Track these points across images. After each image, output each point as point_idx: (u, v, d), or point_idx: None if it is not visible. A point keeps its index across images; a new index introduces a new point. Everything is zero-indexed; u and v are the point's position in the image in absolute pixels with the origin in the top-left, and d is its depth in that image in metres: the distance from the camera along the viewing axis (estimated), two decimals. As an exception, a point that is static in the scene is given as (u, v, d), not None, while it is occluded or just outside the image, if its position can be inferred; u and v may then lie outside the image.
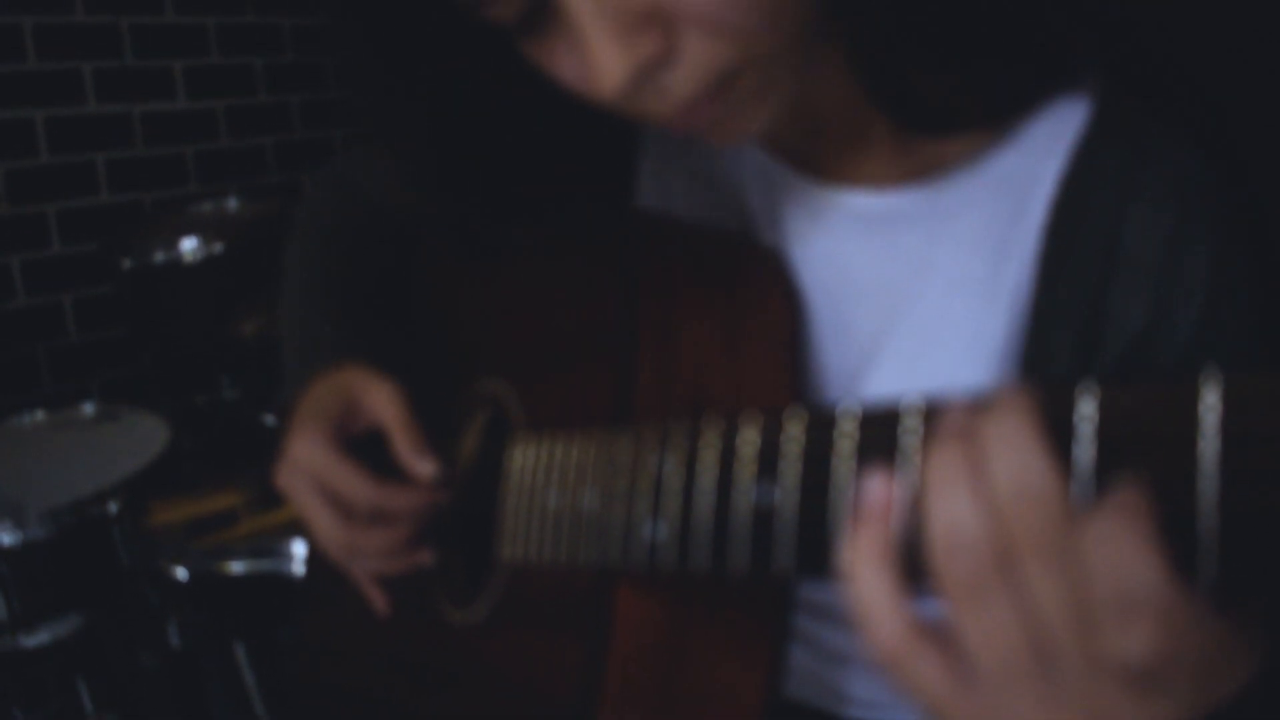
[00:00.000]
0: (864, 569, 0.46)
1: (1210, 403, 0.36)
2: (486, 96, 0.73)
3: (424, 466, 0.81)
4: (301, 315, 0.99)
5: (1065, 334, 0.68)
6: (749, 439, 0.55)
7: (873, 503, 0.47)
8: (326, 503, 0.82)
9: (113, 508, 1.80)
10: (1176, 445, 0.37)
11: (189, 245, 2.19)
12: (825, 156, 0.77)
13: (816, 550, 0.51)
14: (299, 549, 1.55)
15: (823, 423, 0.51)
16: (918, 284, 0.73)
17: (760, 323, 0.72)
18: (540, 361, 0.80)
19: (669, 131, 0.65)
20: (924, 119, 0.67)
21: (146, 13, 2.79)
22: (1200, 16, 0.77)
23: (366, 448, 0.84)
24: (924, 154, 0.73)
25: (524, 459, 0.75)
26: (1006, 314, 0.70)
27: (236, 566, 1.54)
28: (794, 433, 0.52)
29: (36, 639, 1.83)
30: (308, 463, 0.82)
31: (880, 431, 0.48)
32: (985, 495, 0.42)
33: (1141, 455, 0.38)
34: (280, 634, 1.56)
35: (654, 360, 0.69)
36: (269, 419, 2.15)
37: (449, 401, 0.91)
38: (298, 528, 1.55)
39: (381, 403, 0.84)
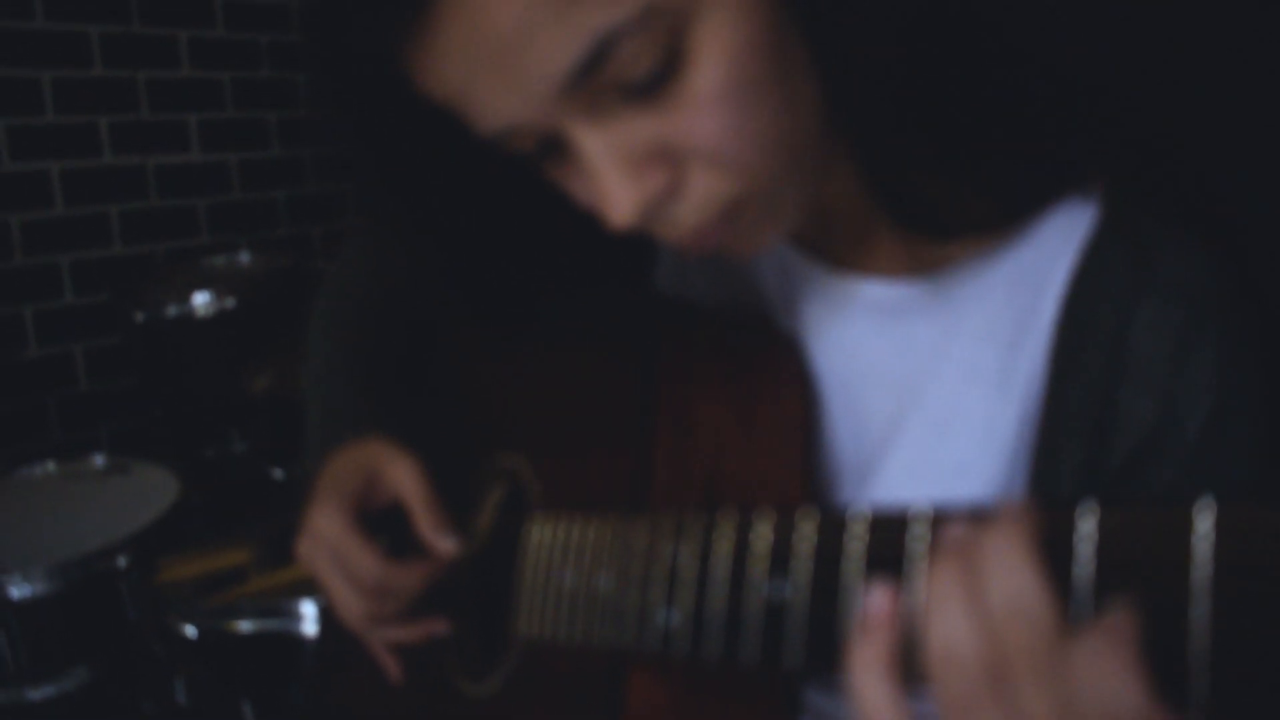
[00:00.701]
0: (866, 676, 0.48)
1: (1203, 531, 0.38)
2: (508, 192, 0.76)
3: (445, 544, 0.83)
4: (327, 387, 1.01)
5: (1075, 430, 0.70)
6: (763, 534, 0.57)
7: (875, 613, 0.49)
8: (342, 575, 0.84)
9: (121, 562, 1.82)
10: (1170, 571, 0.39)
11: (201, 299, 2.22)
12: (839, 247, 0.79)
13: (826, 648, 0.53)
14: (307, 609, 1.57)
15: (834, 524, 0.53)
16: (931, 373, 0.75)
17: (775, 410, 0.74)
18: (558, 441, 0.82)
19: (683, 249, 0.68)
20: (932, 225, 0.70)
21: (162, 67, 2.83)
22: (1203, 122, 0.79)
23: (390, 519, 0.86)
24: (937, 249, 0.75)
25: (541, 536, 0.77)
26: (1018, 405, 0.72)
27: (245, 625, 1.55)
28: (807, 532, 0.54)
29: (43, 692, 1.84)
30: (324, 535, 0.84)
31: (889, 537, 0.50)
32: (981, 614, 0.44)
33: (1137, 578, 0.40)
34: (288, 693, 1.57)
35: (671, 446, 0.71)
36: (277, 473, 2.17)
37: (467, 474, 0.93)
38: (306, 587, 1.57)
39: (403, 478, 0.86)
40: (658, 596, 0.63)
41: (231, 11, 2.99)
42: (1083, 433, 0.69)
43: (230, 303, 2.21)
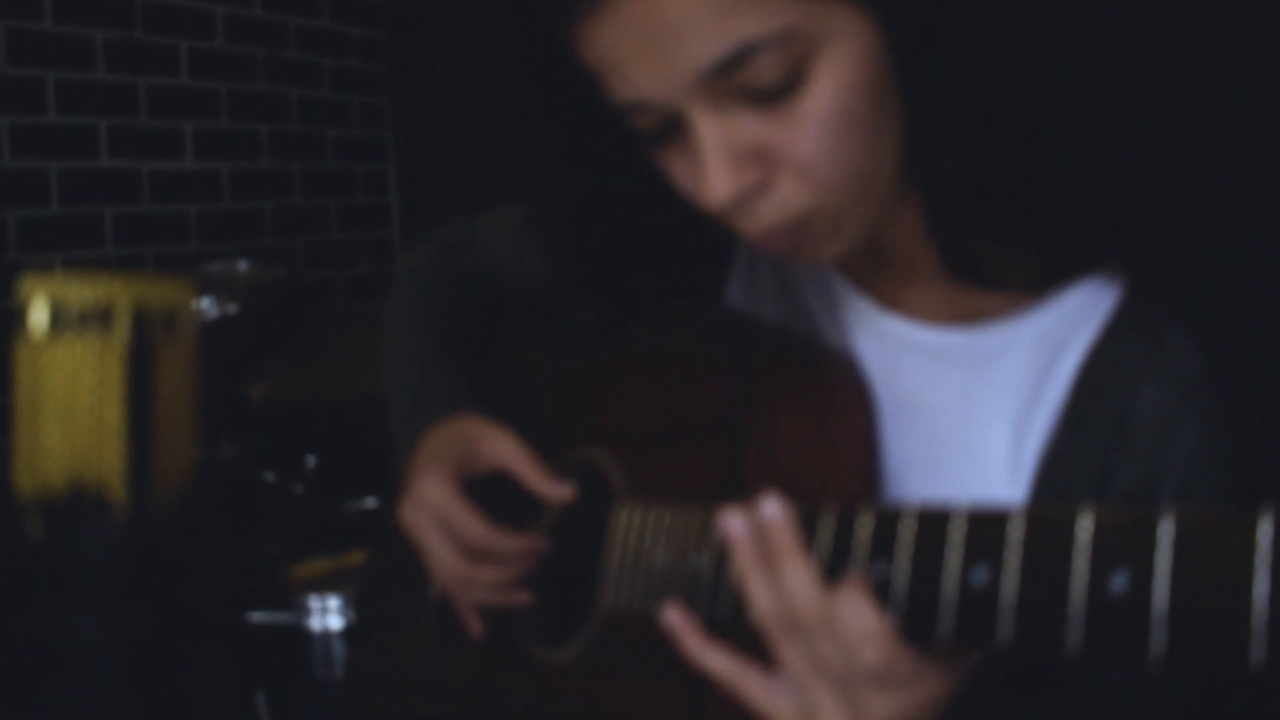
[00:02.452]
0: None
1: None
2: (621, 190, 0.87)
3: (562, 490, 0.92)
4: (417, 368, 1.08)
5: (1074, 483, 0.81)
6: (865, 523, 0.65)
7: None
8: (446, 539, 0.92)
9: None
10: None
11: (204, 305, 2.26)
12: (889, 286, 0.89)
13: (923, 623, 0.61)
14: (317, 603, 1.62)
15: (937, 516, 0.61)
16: (960, 411, 0.85)
17: (845, 424, 0.83)
18: (646, 436, 0.89)
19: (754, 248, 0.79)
20: (978, 276, 0.82)
21: (163, 74, 2.88)
22: (1213, 231, 0.90)
23: (480, 492, 0.93)
24: (976, 300, 0.86)
25: (630, 519, 0.85)
26: (1036, 447, 0.82)
27: (257, 616, 1.60)
28: (909, 521, 0.62)
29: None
30: (431, 501, 0.92)
31: (988, 528, 0.58)
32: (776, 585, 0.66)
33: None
34: (300, 684, 1.62)
35: (760, 447, 0.79)
36: (270, 477, 2.21)
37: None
38: (322, 584, 1.62)
39: (505, 449, 0.94)
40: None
41: (232, 23, 3.04)
42: (1083, 484, 0.80)
43: (232, 309, 2.26)
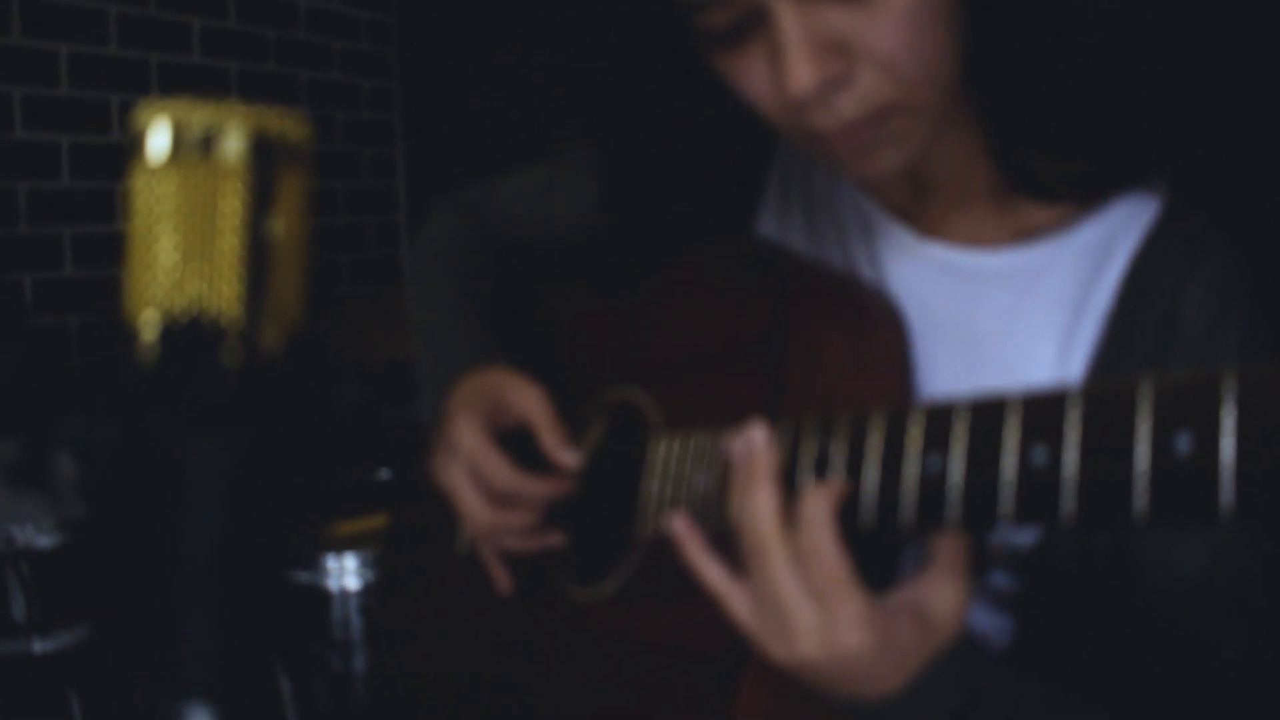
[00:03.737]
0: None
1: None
2: (673, 102, 0.89)
3: (568, 457, 0.92)
4: (445, 326, 1.09)
5: None
6: (917, 420, 0.66)
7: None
8: (475, 485, 0.92)
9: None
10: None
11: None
12: (929, 213, 0.90)
13: (983, 511, 0.62)
14: (333, 563, 1.62)
15: (991, 406, 0.62)
16: (1004, 331, 0.86)
17: (881, 346, 0.84)
18: (681, 370, 0.90)
19: (820, 153, 0.80)
20: (1031, 187, 0.84)
21: (175, 51, 2.89)
22: (1255, 142, 0.92)
23: (510, 442, 0.94)
24: (1018, 220, 0.88)
25: (669, 449, 0.86)
26: (1082, 359, 0.84)
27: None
28: (962, 414, 0.63)
29: (45, 646, 1.86)
30: (462, 446, 0.93)
31: (1045, 411, 0.59)
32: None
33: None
34: (319, 644, 1.62)
35: (799, 371, 0.80)
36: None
37: (567, 409, 1.01)
38: (342, 543, 1.63)
39: (529, 401, 0.94)
40: (806, 481, 0.71)
41: (244, 3, 3.05)
42: None
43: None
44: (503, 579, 0.98)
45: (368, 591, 1.61)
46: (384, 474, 2.08)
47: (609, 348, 1.01)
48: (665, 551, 0.85)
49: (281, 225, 0.42)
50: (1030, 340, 0.85)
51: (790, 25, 0.72)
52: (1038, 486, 0.58)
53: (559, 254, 1.14)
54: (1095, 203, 0.85)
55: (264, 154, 0.42)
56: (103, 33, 2.72)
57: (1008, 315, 0.86)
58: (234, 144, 0.41)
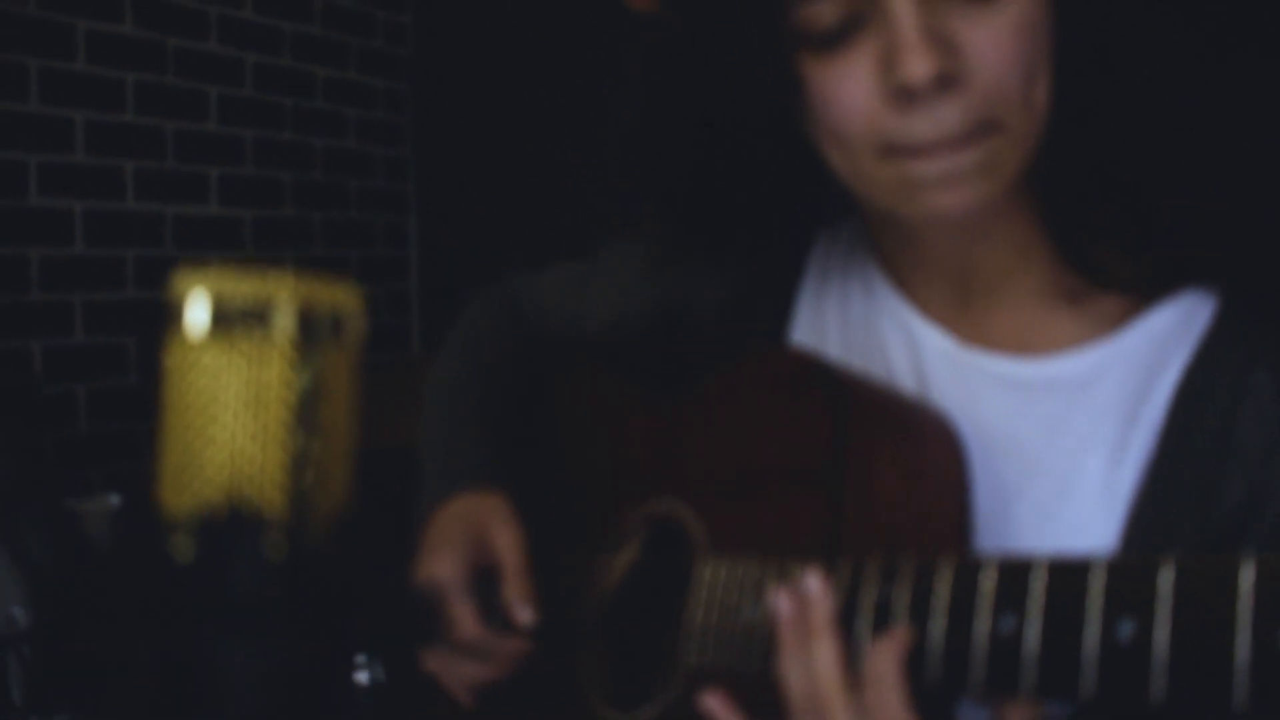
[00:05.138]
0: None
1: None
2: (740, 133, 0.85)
3: (524, 615, 0.90)
4: (449, 431, 1.06)
5: (1181, 503, 0.78)
6: (989, 574, 0.62)
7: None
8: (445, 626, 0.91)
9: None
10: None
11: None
12: (972, 319, 0.87)
13: (1061, 676, 0.58)
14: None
15: (1072, 568, 0.58)
16: (1052, 442, 0.82)
17: (939, 471, 0.80)
18: (728, 486, 0.86)
19: (901, 182, 0.77)
20: (1090, 273, 0.81)
21: (191, 119, 2.88)
22: None
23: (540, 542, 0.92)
24: (1066, 326, 0.84)
25: (715, 574, 0.81)
26: (1133, 473, 0.80)
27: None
28: (1040, 573, 0.60)
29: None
30: (435, 582, 0.91)
31: (1130, 579, 0.56)
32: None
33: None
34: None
35: (857, 497, 0.76)
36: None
37: (600, 519, 0.97)
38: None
39: (505, 543, 0.93)
40: (864, 630, 0.67)
41: (261, 71, 3.05)
42: (1187, 506, 0.77)
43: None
44: (466, 700, 0.96)
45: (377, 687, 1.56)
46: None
47: (647, 455, 0.97)
48: (707, 684, 0.81)
49: (329, 407, 0.39)
50: (1079, 453, 0.82)
51: (909, 15, 0.70)
52: (1125, 664, 0.54)
53: (593, 351, 1.11)
54: (1153, 298, 0.82)
55: (311, 330, 0.38)
56: (119, 100, 2.71)
57: (1053, 426, 0.83)
58: (281, 320, 0.38)
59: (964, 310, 0.88)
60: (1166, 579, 0.54)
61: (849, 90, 0.75)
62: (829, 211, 0.96)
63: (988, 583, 0.62)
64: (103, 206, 2.69)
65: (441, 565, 0.92)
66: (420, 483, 1.07)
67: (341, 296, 0.39)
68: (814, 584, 0.67)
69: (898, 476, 0.78)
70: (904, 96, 0.72)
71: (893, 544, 0.76)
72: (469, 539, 0.93)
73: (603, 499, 0.95)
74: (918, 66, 0.70)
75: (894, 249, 0.91)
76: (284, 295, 0.38)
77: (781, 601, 0.68)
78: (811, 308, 0.96)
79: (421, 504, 1.02)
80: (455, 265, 3.42)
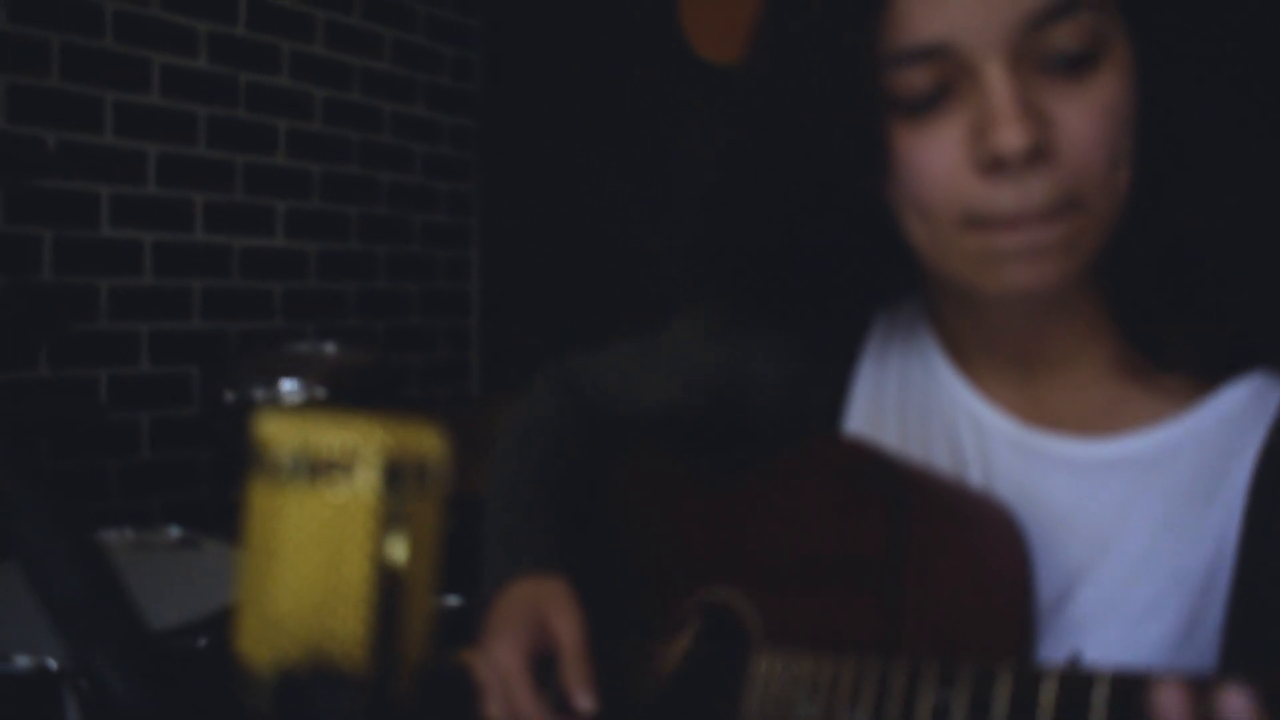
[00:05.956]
0: None
1: None
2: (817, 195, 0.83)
3: (583, 700, 0.89)
4: (511, 514, 1.07)
5: (1273, 581, 0.75)
6: (1050, 684, 0.60)
7: None
8: (506, 707, 0.91)
9: (201, 642, 1.81)
10: None
11: (289, 386, 2.25)
12: (1035, 399, 0.86)
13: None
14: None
15: (1132, 682, 0.56)
16: (1123, 525, 0.81)
17: (1000, 566, 0.79)
18: (784, 577, 0.85)
19: (981, 255, 0.75)
20: (1157, 356, 0.80)
21: (261, 153, 2.91)
22: None
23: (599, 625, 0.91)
24: (1132, 406, 0.82)
25: (771, 668, 0.80)
26: (1207, 555, 0.78)
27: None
28: (1100, 690, 0.58)
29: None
30: (499, 665, 0.92)
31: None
32: None
33: None
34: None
35: (917, 593, 0.75)
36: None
37: (657, 604, 0.96)
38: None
39: (564, 630, 0.92)
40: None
41: (330, 106, 3.08)
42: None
43: (319, 393, 2.24)
44: None
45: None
46: (451, 600, 2.03)
47: (703, 541, 0.96)
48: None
49: (412, 559, 0.38)
50: (1150, 534, 0.80)
51: (1002, 85, 0.70)
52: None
53: (652, 429, 1.10)
54: (1221, 379, 0.80)
55: (397, 481, 0.38)
56: (191, 134, 2.75)
57: (1126, 507, 0.81)
58: (367, 473, 0.37)
59: (1027, 390, 0.86)
60: (1238, 694, 0.52)
61: (936, 158, 0.74)
62: (890, 288, 0.95)
63: (1048, 695, 0.60)
64: (172, 238, 2.72)
65: (502, 649, 0.92)
66: (485, 537, 1.07)
67: (427, 443, 0.39)
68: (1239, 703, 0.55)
69: (958, 574, 0.77)
70: (993, 167, 0.71)
71: (952, 642, 0.74)
72: (529, 623, 0.93)
73: (660, 584, 0.94)
74: (1012, 137, 0.69)
75: (956, 327, 0.90)
76: (370, 447, 0.37)
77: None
78: (870, 385, 0.95)
79: (483, 583, 1.02)
80: (516, 301, 3.43)
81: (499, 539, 1.05)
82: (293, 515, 0.38)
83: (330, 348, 2.60)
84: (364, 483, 0.37)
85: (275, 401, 2.25)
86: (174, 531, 2.15)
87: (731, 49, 2.47)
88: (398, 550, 0.38)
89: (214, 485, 2.75)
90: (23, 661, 1.64)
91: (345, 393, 2.28)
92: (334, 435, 0.37)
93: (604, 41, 3.11)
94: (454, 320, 3.51)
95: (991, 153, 0.70)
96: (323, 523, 0.37)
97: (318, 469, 0.37)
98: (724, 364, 1.04)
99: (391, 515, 0.37)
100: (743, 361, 1.02)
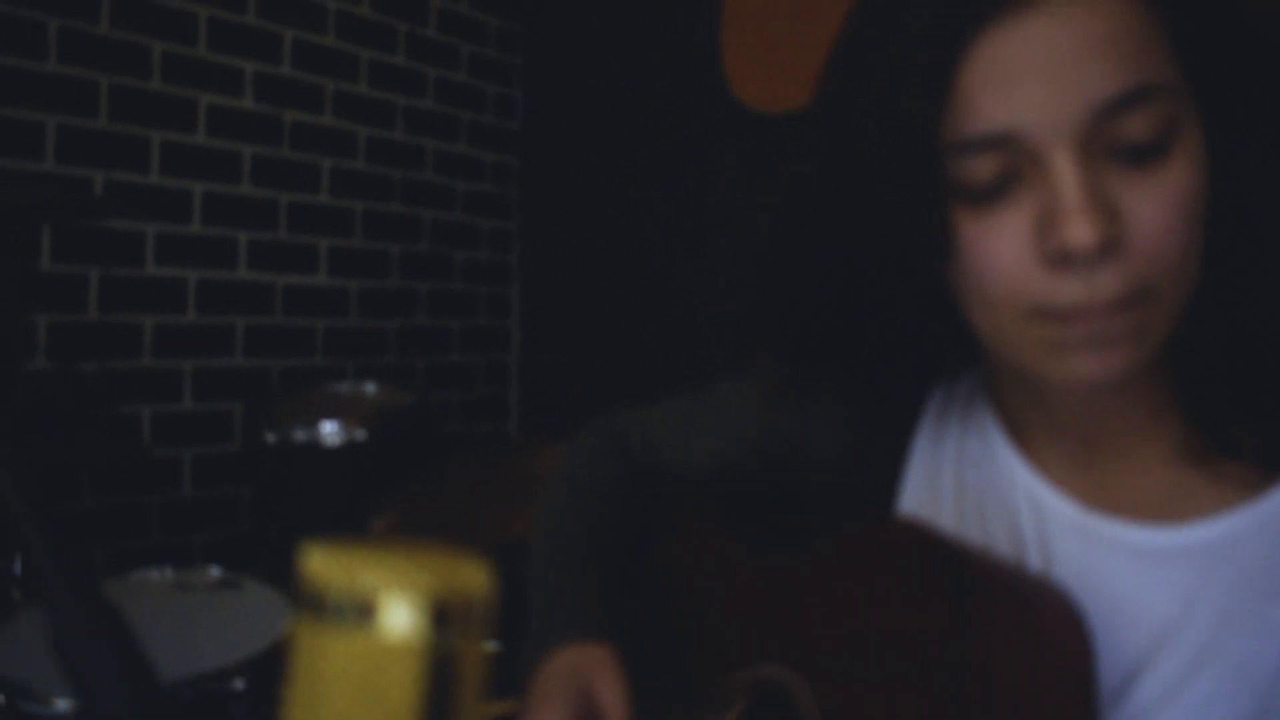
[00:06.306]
0: None
1: None
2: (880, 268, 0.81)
3: None
4: (556, 577, 1.05)
5: None
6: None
7: None
8: None
9: (238, 684, 1.81)
10: None
11: (329, 429, 2.25)
12: (1098, 483, 0.84)
13: None
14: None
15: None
16: (1186, 615, 0.78)
17: (1063, 657, 0.77)
18: (841, 660, 0.84)
19: (1044, 345, 0.73)
20: (1224, 445, 0.78)
21: (304, 191, 2.94)
22: None
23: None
24: (1196, 492, 0.80)
25: None
26: (1274, 650, 0.75)
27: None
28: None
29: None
30: None
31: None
32: None
33: None
34: None
35: (979, 687, 0.73)
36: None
37: (706, 677, 0.95)
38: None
39: (609, 700, 0.90)
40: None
41: (373, 145, 3.11)
42: None
43: (359, 435, 2.25)
44: None
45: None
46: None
47: (755, 616, 0.95)
48: None
49: (457, 699, 0.37)
50: (1215, 625, 0.78)
51: (1071, 176, 0.68)
52: None
53: (702, 493, 1.09)
54: (1272, 481, 0.78)
55: (443, 622, 0.37)
56: (236, 172, 2.77)
57: (1190, 596, 0.79)
58: (413, 613, 0.37)
59: (1090, 473, 0.84)
60: None
61: (1001, 248, 0.72)
62: (948, 362, 0.93)
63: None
64: (215, 276, 2.74)
65: (543, 716, 0.90)
66: (530, 596, 1.06)
67: (474, 582, 0.38)
68: None
69: (1021, 663, 0.75)
70: (1060, 260, 0.69)
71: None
72: (574, 692, 0.91)
73: (709, 657, 0.93)
74: (1082, 232, 0.67)
75: (1017, 406, 0.88)
76: (417, 589, 0.37)
77: None
78: (926, 459, 0.94)
79: (528, 648, 1.01)
80: (556, 338, 3.43)
81: (544, 603, 1.04)
82: (338, 655, 0.37)
83: (370, 388, 2.61)
84: (410, 624, 0.37)
85: (315, 444, 2.25)
86: (214, 571, 2.16)
87: (772, 97, 2.47)
88: (442, 691, 0.37)
89: (254, 523, 2.76)
90: (62, 705, 1.65)
91: (385, 435, 2.28)
92: (380, 576, 0.37)
93: (646, 81, 3.12)
94: (493, 357, 3.51)
95: (1059, 247, 0.68)
96: (368, 664, 0.37)
97: (364, 610, 0.37)
98: (778, 429, 1.02)
99: (438, 657, 0.37)
100: (798, 428, 1.01)
